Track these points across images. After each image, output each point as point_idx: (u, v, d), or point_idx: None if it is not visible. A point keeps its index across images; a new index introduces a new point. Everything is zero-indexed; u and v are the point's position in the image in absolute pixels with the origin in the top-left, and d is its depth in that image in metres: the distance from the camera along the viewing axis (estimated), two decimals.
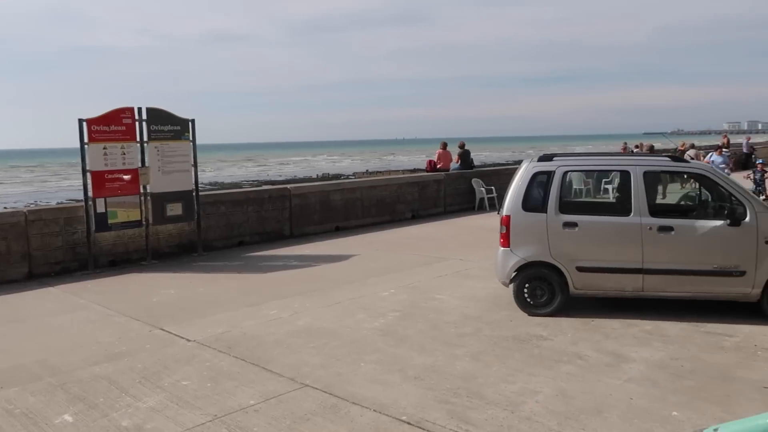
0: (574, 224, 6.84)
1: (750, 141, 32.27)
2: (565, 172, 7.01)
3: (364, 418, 4.56)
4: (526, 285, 7.04)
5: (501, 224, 7.15)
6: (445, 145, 18.09)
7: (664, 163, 7.18)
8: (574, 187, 15.76)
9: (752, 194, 6.70)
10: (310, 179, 39.43)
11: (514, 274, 7.05)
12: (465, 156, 18.47)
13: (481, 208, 17.76)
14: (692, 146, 20.92)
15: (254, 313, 7.43)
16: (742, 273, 6.37)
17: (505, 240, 7.09)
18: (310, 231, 13.92)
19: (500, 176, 19.02)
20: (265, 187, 17.76)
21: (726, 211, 6.43)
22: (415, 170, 30.05)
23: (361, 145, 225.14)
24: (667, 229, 6.55)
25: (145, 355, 6.03)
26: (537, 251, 6.94)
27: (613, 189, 16.93)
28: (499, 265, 7.18)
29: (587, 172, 7.58)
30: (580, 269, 6.81)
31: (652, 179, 7.15)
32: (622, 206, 6.88)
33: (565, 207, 7.00)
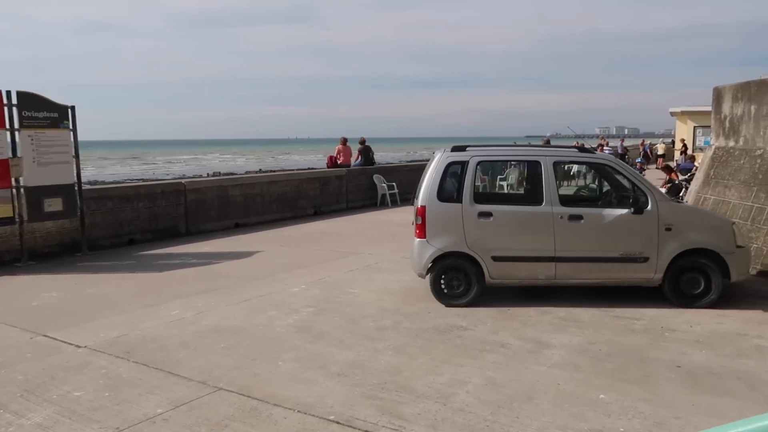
0: (488, 214, 6.83)
1: (624, 143, 34.81)
2: (479, 162, 6.99)
3: (289, 420, 4.20)
4: (443, 276, 6.95)
5: (416, 215, 7.02)
6: (345, 141, 17.86)
7: (572, 153, 7.37)
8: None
9: (652, 184, 7.01)
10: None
11: (430, 265, 6.93)
12: (366, 152, 18.35)
13: (383, 204, 17.70)
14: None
15: (153, 313, 6.78)
16: (646, 259, 6.65)
17: (421, 231, 6.95)
18: (208, 228, 13.17)
19: (401, 172, 19.14)
20: (157, 181, 16.63)
21: (630, 200, 6.67)
22: (310, 169, 29.54)
23: (253, 143, 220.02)
24: (577, 217, 6.71)
25: (27, 365, 5.28)
26: (453, 242, 6.87)
27: (508, 185, 17.49)
28: (415, 257, 7.03)
29: (499, 162, 7.55)
30: (496, 259, 6.81)
31: (562, 169, 7.31)
32: (534, 196, 6.96)
33: (479, 197, 6.98)
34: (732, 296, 6.95)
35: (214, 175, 39.99)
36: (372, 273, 8.75)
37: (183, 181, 13.78)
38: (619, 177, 6.95)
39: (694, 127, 28.68)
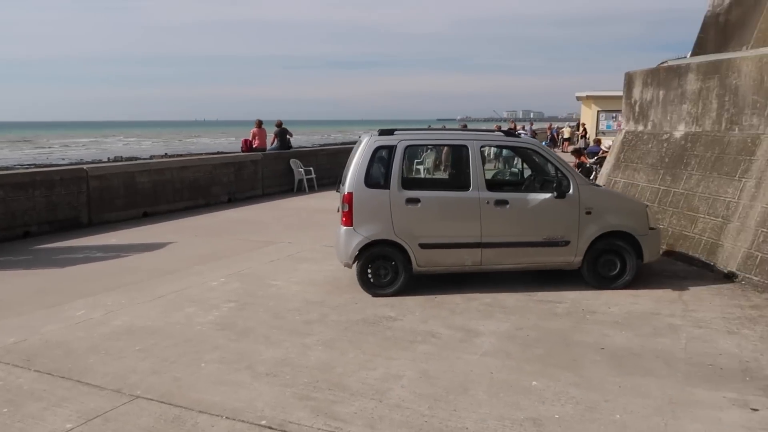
0: (416, 200, 6.73)
1: (532, 126, 36.08)
2: (407, 146, 6.86)
3: (217, 428, 3.92)
4: (370, 265, 6.80)
5: (343, 202, 6.80)
6: (260, 123, 17.27)
7: (498, 138, 7.39)
8: None
9: (574, 168, 7.15)
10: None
11: (357, 253, 6.75)
12: (282, 135, 17.84)
13: (300, 190, 17.31)
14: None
15: (55, 315, 6.21)
16: (567, 242, 6.79)
17: (348, 218, 6.75)
18: (113, 218, 12.33)
19: (318, 157, 18.80)
20: (54, 167, 15.41)
21: (553, 185, 6.77)
22: (222, 153, 28.50)
23: (158, 126, 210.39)
24: (503, 202, 6.74)
25: None
26: (381, 229, 6.72)
27: (424, 169, 17.58)
28: (341, 245, 6.83)
29: (427, 146, 7.46)
30: (423, 246, 6.73)
31: (488, 154, 7.32)
32: (460, 181, 6.92)
33: (407, 183, 6.86)
34: (642, 276, 7.26)
35: (117, 159, 37.67)
36: (294, 263, 8.48)
37: (84, 167, 12.83)
38: (542, 162, 7.04)
39: (598, 111, 30.02)
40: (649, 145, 9.56)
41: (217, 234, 10.90)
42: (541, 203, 6.75)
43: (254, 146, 17.10)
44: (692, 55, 10.85)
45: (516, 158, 7.72)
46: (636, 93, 10.15)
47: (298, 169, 17.41)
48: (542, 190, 6.86)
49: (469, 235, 6.73)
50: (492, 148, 12.49)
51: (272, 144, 17.68)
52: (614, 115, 29.66)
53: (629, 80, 10.43)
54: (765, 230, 6.93)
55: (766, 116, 7.50)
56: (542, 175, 7.10)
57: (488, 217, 6.71)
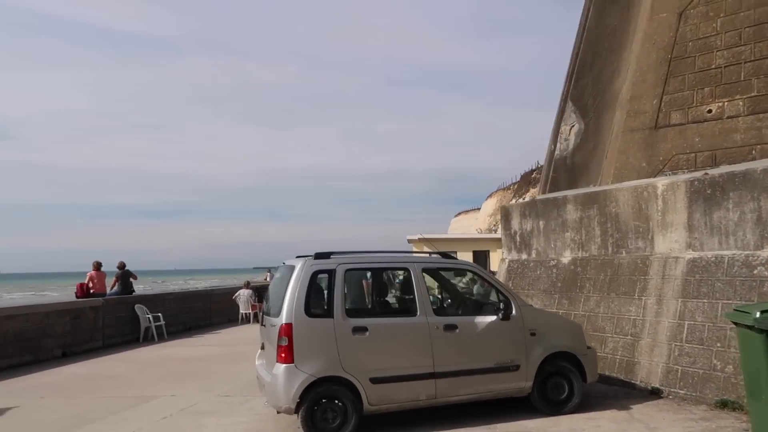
0: (364, 329, 6.11)
1: None
2: (347, 270, 6.33)
3: None
4: (315, 408, 5.87)
5: (280, 335, 5.94)
6: (99, 266, 15.23)
7: (437, 260, 7.18)
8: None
9: (511, 289, 7.12)
10: None
11: (300, 395, 5.82)
12: (125, 278, 15.89)
13: (147, 339, 15.25)
14: None
15: None
16: (517, 367, 6.55)
17: (287, 354, 5.87)
18: None
19: (165, 302, 16.97)
20: None
21: (496, 306, 6.63)
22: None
23: None
24: (452, 327, 6.39)
25: None
26: (327, 364, 5.93)
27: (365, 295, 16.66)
28: (281, 387, 5.85)
29: (367, 270, 6.97)
30: (375, 381, 6.03)
31: (431, 277, 7.03)
32: (406, 306, 6.49)
33: (351, 310, 6.25)
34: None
35: None
36: (196, 418, 7.10)
37: None
38: (482, 282, 6.92)
39: (429, 252, 31.76)
40: (538, 272, 10.06)
41: (70, 394, 8.90)
42: (488, 326, 6.52)
43: (92, 291, 14.95)
44: (548, 191, 12.04)
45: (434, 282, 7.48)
46: (515, 224, 10.84)
47: (145, 315, 15.47)
48: (488, 312, 6.67)
49: (421, 364, 6.21)
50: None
51: (112, 288, 15.63)
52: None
53: (506, 213, 11.16)
54: (678, 344, 7.38)
55: (650, 239, 8.33)
56: (486, 296, 6.95)
57: (439, 343, 6.29)
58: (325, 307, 6.09)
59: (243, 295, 19.42)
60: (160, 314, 15.84)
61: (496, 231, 71.34)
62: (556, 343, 6.77)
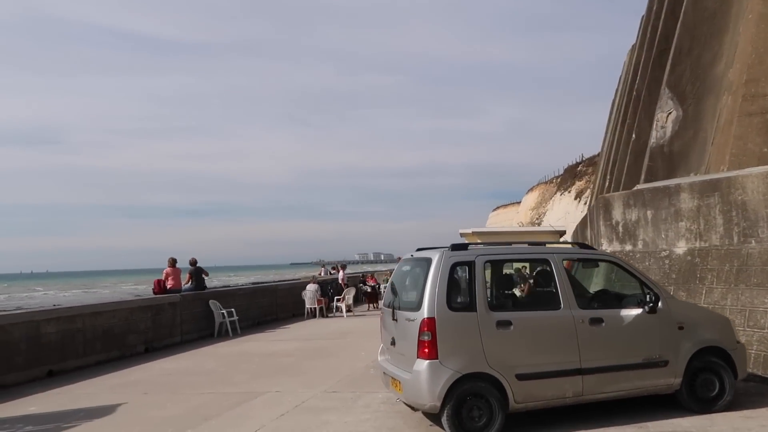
0: (508, 323, 5.76)
1: (345, 271, 36.52)
2: (486, 262, 5.99)
3: None
4: (461, 406, 5.55)
5: (422, 330, 5.62)
6: (174, 262, 15.22)
7: (576, 251, 6.79)
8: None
9: (655, 281, 6.67)
10: None
11: (446, 392, 5.49)
12: (198, 274, 15.89)
13: (222, 334, 15.20)
14: None
15: None
16: (666, 362, 6.10)
17: (431, 349, 5.55)
18: (11, 381, 9.66)
19: (236, 297, 16.92)
20: None
21: (641, 299, 6.19)
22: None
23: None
24: (598, 321, 5.99)
25: None
26: (471, 360, 5.59)
27: (502, 288, 16.43)
28: (424, 385, 5.54)
29: (505, 262, 6.61)
30: (521, 377, 5.66)
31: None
32: (548, 299, 6.11)
33: (495, 303, 5.91)
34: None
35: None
36: (315, 415, 6.85)
37: None
38: (625, 274, 6.49)
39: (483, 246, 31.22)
40: (646, 263, 9.55)
41: (172, 390, 8.79)
42: (635, 320, 6.09)
43: (168, 287, 14.95)
44: (644, 181, 11.49)
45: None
46: (617, 214, 10.34)
47: (219, 311, 15.42)
48: (633, 305, 6.22)
49: (567, 360, 5.82)
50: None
51: (186, 284, 15.61)
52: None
53: (606, 203, 10.66)
54: None
55: None
56: (630, 288, 6.50)
57: (585, 337, 5.89)
58: (467, 301, 5.75)
59: (310, 291, 19.26)
60: (233, 309, 15.78)
61: (539, 224, 70.15)
62: (706, 337, 6.29)
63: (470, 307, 5.72)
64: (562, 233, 31.73)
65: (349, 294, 20.02)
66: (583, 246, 6.91)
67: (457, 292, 5.78)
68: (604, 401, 6.11)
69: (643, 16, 23.27)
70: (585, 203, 54.01)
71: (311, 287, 19.40)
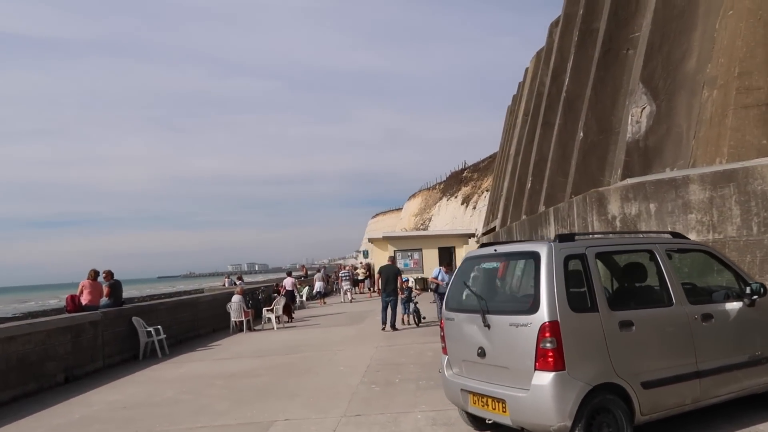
0: (629, 323, 4.97)
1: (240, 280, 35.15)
2: (597, 254, 5.17)
3: None
4: (591, 424, 4.67)
5: (542, 336, 4.68)
6: (96, 275, 12.93)
7: (674, 240, 6.11)
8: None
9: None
10: None
11: (577, 410, 4.59)
12: (116, 288, 13.63)
13: (146, 356, 13.13)
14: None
15: None
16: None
17: (557, 359, 4.62)
18: None
19: (159, 313, 14.82)
20: None
21: (737, 292, 5.70)
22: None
23: None
24: (708, 317, 5.40)
25: None
26: (600, 369, 4.74)
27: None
28: (550, 402, 4.59)
29: (615, 254, 5.76)
30: (646, 385, 4.90)
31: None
32: (657, 294, 5.41)
33: (615, 300, 5.09)
34: None
35: None
36: None
37: None
38: (722, 265, 5.96)
39: (395, 251, 30.61)
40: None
41: (148, 428, 7.08)
42: (738, 314, 5.57)
43: (84, 303, 12.64)
44: (622, 176, 11.38)
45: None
46: (613, 209, 10.02)
47: (143, 330, 13.33)
48: (734, 298, 5.69)
49: (685, 362, 5.16)
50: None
51: (105, 298, 13.32)
52: (410, 254, 30.84)
53: (599, 198, 10.31)
54: None
55: None
56: (729, 281, 5.95)
57: (699, 336, 5.27)
58: (587, 300, 4.90)
59: (235, 302, 17.45)
60: (159, 327, 13.74)
61: (425, 229, 71.21)
62: None
63: (592, 306, 4.88)
64: (471, 235, 32.17)
65: (279, 304, 18.44)
66: (674, 235, 6.33)
67: (576, 290, 4.91)
68: (720, 403, 5.51)
69: (554, 22, 24.02)
70: (473, 207, 55.57)
71: (236, 298, 17.58)
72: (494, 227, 28.85)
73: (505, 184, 29.22)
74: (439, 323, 5.99)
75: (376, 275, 17.93)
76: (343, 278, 27.65)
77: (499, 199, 30.63)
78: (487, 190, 50.55)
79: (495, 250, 5.59)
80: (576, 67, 17.65)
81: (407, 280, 17.66)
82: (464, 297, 5.66)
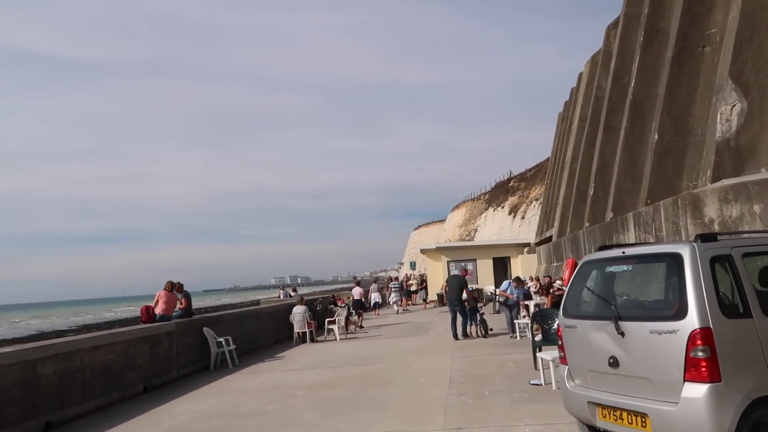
0: None
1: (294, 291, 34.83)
2: (743, 255, 4.76)
3: None
4: None
5: (693, 344, 4.29)
6: (172, 286, 12.97)
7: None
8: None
9: None
10: None
11: (736, 426, 4.18)
12: (190, 300, 13.68)
13: (219, 367, 13.10)
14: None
15: None
16: None
17: (712, 369, 4.23)
18: None
19: (226, 324, 14.80)
20: None
21: None
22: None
23: None
24: None
25: None
26: (759, 380, 4.32)
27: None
28: (705, 416, 4.19)
29: (763, 255, 5.34)
30: None
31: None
32: None
33: (766, 303, 4.68)
34: None
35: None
36: None
37: None
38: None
39: (448, 261, 30.17)
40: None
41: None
42: None
43: (158, 313, 12.70)
44: (712, 178, 10.81)
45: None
46: (710, 211, 9.50)
47: (214, 340, 13.31)
48: None
49: None
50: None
51: (178, 309, 13.37)
52: (463, 264, 30.26)
53: (694, 200, 9.81)
54: None
55: None
56: None
57: None
58: (739, 304, 4.49)
59: (298, 313, 17.34)
60: (229, 338, 13.70)
61: (471, 239, 70.32)
62: None
63: (744, 312, 4.47)
64: (527, 245, 31.47)
65: (341, 316, 18.27)
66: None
67: (726, 295, 4.51)
68: None
69: (611, 24, 23.37)
70: (522, 217, 54.62)
71: (299, 309, 17.49)
72: (551, 236, 28.12)
73: (562, 192, 28.43)
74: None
75: (443, 285, 17.67)
76: (393, 289, 27.40)
77: (555, 207, 29.85)
78: (536, 199, 49.62)
79: (623, 252, 5.22)
80: (642, 69, 17.05)
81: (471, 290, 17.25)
82: (587, 303, 5.30)
